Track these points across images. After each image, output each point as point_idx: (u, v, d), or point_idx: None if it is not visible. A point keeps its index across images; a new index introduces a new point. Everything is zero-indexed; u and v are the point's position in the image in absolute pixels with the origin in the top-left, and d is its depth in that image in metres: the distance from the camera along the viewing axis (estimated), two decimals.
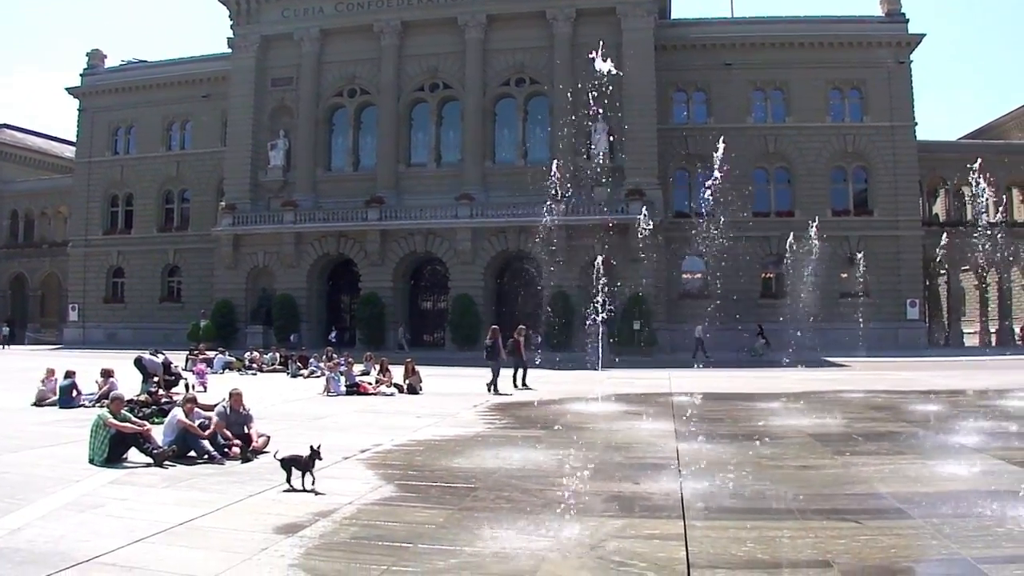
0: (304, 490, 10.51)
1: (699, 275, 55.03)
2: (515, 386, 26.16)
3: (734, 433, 15.84)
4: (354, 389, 24.89)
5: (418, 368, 26.11)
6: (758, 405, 21.06)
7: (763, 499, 10.20)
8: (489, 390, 25.00)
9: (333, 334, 48.53)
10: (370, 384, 25.70)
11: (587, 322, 32.13)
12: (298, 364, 34.00)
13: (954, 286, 58.48)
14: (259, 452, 13.35)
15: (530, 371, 27.74)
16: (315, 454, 10.85)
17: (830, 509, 9.57)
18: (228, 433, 13.42)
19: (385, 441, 14.98)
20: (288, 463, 10.90)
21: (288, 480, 10.76)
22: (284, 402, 22.42)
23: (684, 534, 8.51)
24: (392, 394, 24.57)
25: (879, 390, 24.45)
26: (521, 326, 28.47)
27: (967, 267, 56.67)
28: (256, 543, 8.15)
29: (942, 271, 56.58)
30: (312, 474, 10.72)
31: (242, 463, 12.71)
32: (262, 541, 8.22)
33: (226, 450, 13.07)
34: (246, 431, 13.76)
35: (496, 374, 25.66)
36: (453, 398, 23.42)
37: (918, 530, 8.51)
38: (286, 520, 9.10)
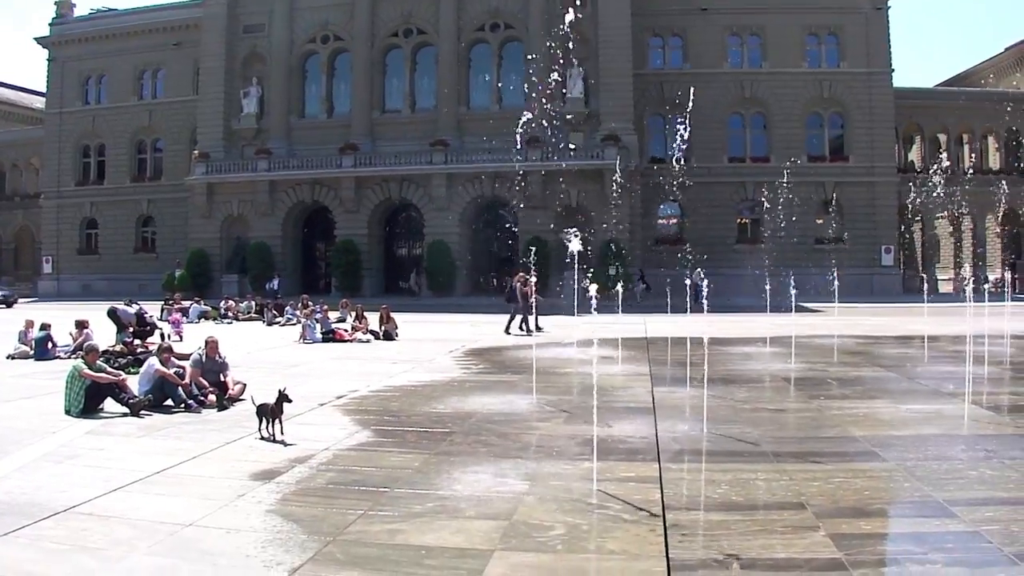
0: (273, 438, 10.43)
1: (675, 220, 55.11)
2: (527, 331, 27.08)
3: (709, 377, 15.92)
4: (330, 336, 24.84)
5: (393, 315, 26.08)
6: (734, 349, 21.23)
7: (738, 442, 10.28)
8: (522, 330, 26.86)
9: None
10: (346, 331, 25.65)
11: (563, 269, 32.16)
12: (274, 312, 33.87)
13: (928, 233, 58.90)
14: (235, 400, 13.30)
15: (506, 316, 27.87)
16: (283, 398, 10.78)
17: (805, 452, 9.67)
18: (204, 382, 13.35)
19: (361, 387, 14.97)
20: (261, 411, 10.83)
21: (260, 428, 10.69)
22: (260, 350, 22.35)
23: (659, 477, 8.57)
24: (368, 341, 24.56)
25: (853, 335, 24.69)
26: (521, 273, 29.52)
27: (942, 215, 56.97)
28: (233, 490, 8.13)
29: (917, 218, 56.90)
30: (280, 420, 10.64)
31: (218, 411, 12.66)
32: (239, 488, 8.21)
33: (202, 399, 13.01)
34: (222, 379, 13.68)
35: (517, 316, 27.46)
36: (429, 344, 23.45)
37: (891, 473, 8.61)
38: (263, 467, 9.09)
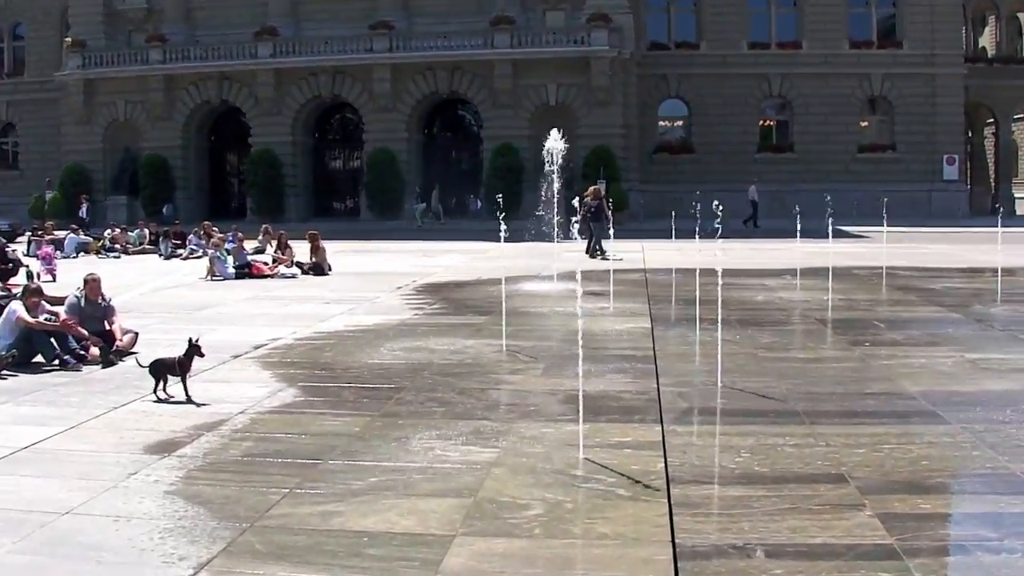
0: (181, 400, 10.36)
1: (680, 123, 54.98)
2: (592, 255, 29.13)
3: (725, 318, 15.93)
4: (246, 271, 24.69)
5: (324, 243, 25.91)
6: (757, 284, 21.32)
7: (761, 399, 10.29)
8: (595, 255, 28.70)
9: (167, 207, 47.71)
10: (266, 264, 25.53)
11: (540, 182, 32.02)
12: (173, 243, 33.54)
13: (1004, 139, 58.72)
14: (125, 353, 13.15)
15: (466, 244, 27.87)
16: (194, 349, 10.66)
17: (845, 412, 9.70)
18: (84, 331, 13.18)
19: (285, 334, 14.88)
20: (159, 368, 10.70)
21: (156, 390, 10.58)
22: (156, 290, 22.17)
23: (663, 442, 8.57)
24: (294, 276, 24.48)
25: (906, 267, 24.84)
26: (596, 187, 31.64)
27: (1021, 115, 56.90)
28: (123, 467, 8.04)
29: (989, 120, 56.86)
30: (185, 379, 10.56)
31: (103, 368, 12.53)
32: (130, 464, 8.12)
33: (82, 353, 12.85)
34: (107, 327, 13.53)
35: (597, 238, 29.34)
36: (371, 279, 23.35)
37: (955, 438, 8.64)
38: (161, 437, 9.00)
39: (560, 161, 25.21)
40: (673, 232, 24.93)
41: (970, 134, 57.32)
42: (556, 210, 24.57)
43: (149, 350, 13.42)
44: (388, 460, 8.16)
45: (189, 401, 10.37)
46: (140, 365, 11.02)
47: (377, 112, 51.72)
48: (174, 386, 10.64)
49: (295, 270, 25.00)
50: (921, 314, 16.72)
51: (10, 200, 56.41)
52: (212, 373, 11.81)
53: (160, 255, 32.64)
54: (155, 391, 10.58)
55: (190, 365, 10.67)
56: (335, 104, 54.37)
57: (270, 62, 52.00)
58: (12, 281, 20.38)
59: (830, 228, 22.62)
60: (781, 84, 52.71)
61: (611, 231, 26.29)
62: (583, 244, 30.40)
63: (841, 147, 51.27)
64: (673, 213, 26.17)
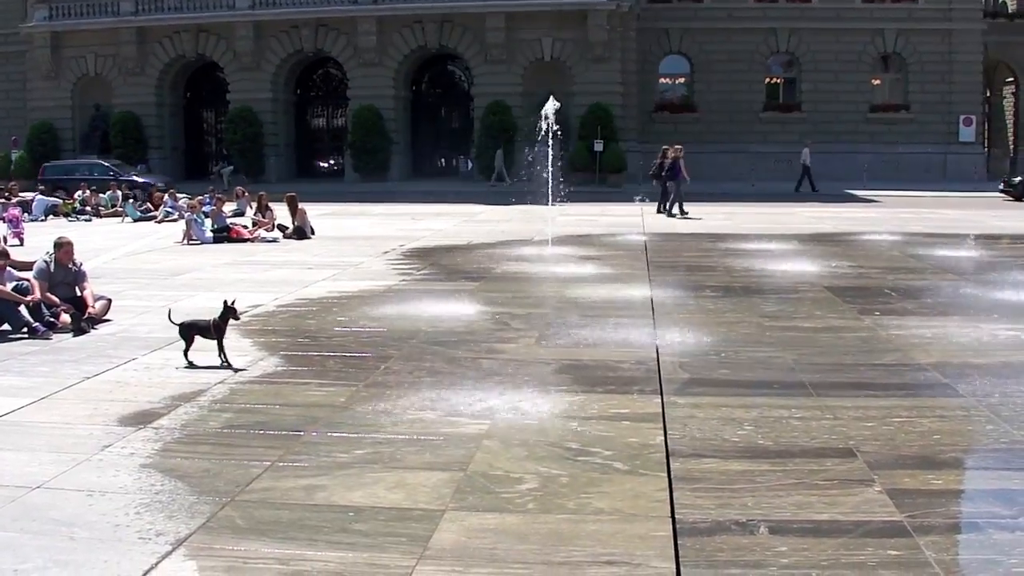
0: (220, 365, 10.44)
1: (682, 80, 54.79)
2: (669, 213, 30.99)
3: (728, 285, 15.98)
4: (224, 234, 24.61)
5: (304, 206, 25.81)
6: (760, 249, 21.31)
7: (766, 369, 10.32)
8: (671, 214, 30.42)
9: (140, 168, 47.51)
10: (245, 227, 25.45)
11: (534, 142, 31.99)
12: (147, 204, 33.43)
13: None
14: (98, 320, 13.14)
15: (456, 206, 27.84)
16: (230, 312, 10.68)
17: (854, 383, 9.72)
18: (54, 298, 13.16)
19: (267, 300, 14.87)
20: (189, 330, 10.71)
21: (186, 353, 10.63)
22: (130, 254, 22.11)
23: (662, 413, 8.59)
24: (275, 240, 24.44)
25: (919, 232, 24.85)
26: (677, 146, 32.73)
27: None
28: (96, 439, 8.04)
29: (1009, 79, 56.62)
30: (222, 343, 10.59)
31: (75, 335, 12.50)
32: (104, 436, 8.12)
33: (52, 320, 12.83)
34: (79, 294, 13.50)
35: (675, 197, 30.93)
36: (356, 243, 23.32)
37: (968, 411, 8.66)
38: (136, 407, 9.00)
39: (554, 124, 25.22)
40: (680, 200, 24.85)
41: (988, 94, 57.09)
42: (550, 172, 24.54)
43: (122, 317, 13.47)
44: (375, 432, 8.17)
45: (226, 366, 10.42)
46: (172, 322, 10.95)
47: (362, 67, 51.47)
48: (201, 352, 10.63)
49: (276, 234, 24.95)
50: (934, 282, 16.73)
51: None
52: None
53: (132, 218, 32.44)
54: (185, 354, 10.63)
55: (225, 328, 10.66)
56: (318, 59, 54.10)
57: (249, 14, 51.66)
58: None
59: (839, 191, 22.57)
60: (789, 39, 52.49)
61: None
62: (582, 208, 30.46)
63: (852, 107, 51.15)
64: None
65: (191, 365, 10.53)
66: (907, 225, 25.72)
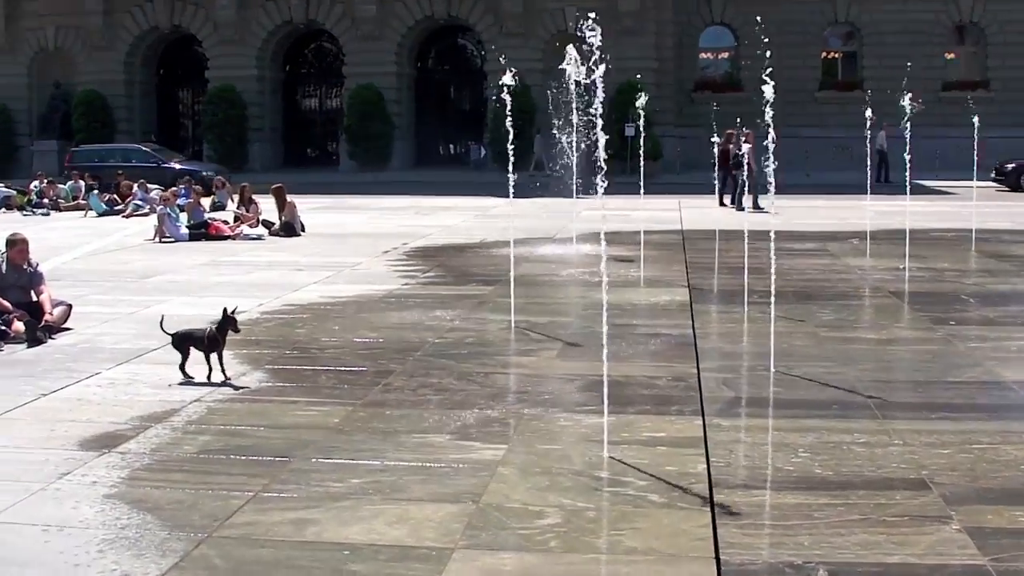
0: (215, 382, 10.40)
1: (726, 55, 54.74)
2: (753, 205, 31.25)
3: (779, 289, 15.84)
4: (202, 231, 24.65)
5: (293, 198, 25.82)
6: (816, 248, 21.32)
7: (824, 388, 10.27)
8: (741, 207, 30.79)
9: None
10: (226, 223, 25.49)
11: (554, 127, 31.98)
12: (113, 197, 33.52)
13: None
14: (56, 329, 13.16)
15: (467, 199, 27.86)
16: (229, 322, 10.60)
17: (926, 404, 9.66)
18: (6, 303, 13.19)
19: (250, 307, 14.84)
20: (184, 341, 10.70)
21: (183, 368, 10.61)
22: (93, 254, 22.21)
23: (704, 437, 8.55)
24: (260, 237, 24.53)
25: (1002, 229, 24.73)
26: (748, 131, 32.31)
27: None
28: (54, 466, 8.03)
29: None
30: (221, 356, 10.55)
31: (29, 346, 12.52)
32: (62, 462, 8.11)
33: (4, 328, 12.86)
34: (34, 298, 13.52)
35: (745, 188, 31.03)
36: (353, 242, 23.39)
37: None
38: (100, 429, 8.99)
39: (579, 105, 25.18)
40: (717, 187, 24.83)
41: None
42: (576, 160, 24.51)
43: (84, 325, 13.48)
44: (374, 458, 8.14)
45: (224, 383, 10.40)
46: (165, 332, 10.93)
47: (360, 41, 51.60)
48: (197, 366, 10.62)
49: (262, 230, 25.00)
50: (1019, 287, 16.66)
51: None
52: (161, 354, 11.79)
53: (96, 212, 32.53)
54: (182, 369, 10.60)
55: (224, 340, 10.61)
56: (310, 31, 54.26)
57: None
58: None
59: (908, 181, 22.51)
60: (849, 8, 52.46)
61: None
62: (609, 200, 30.40)
63: (922, 85, 50.91)
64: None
65: (189, 380, 10.50)
66: (988, 220, 25.57)
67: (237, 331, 10.79)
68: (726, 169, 32.47)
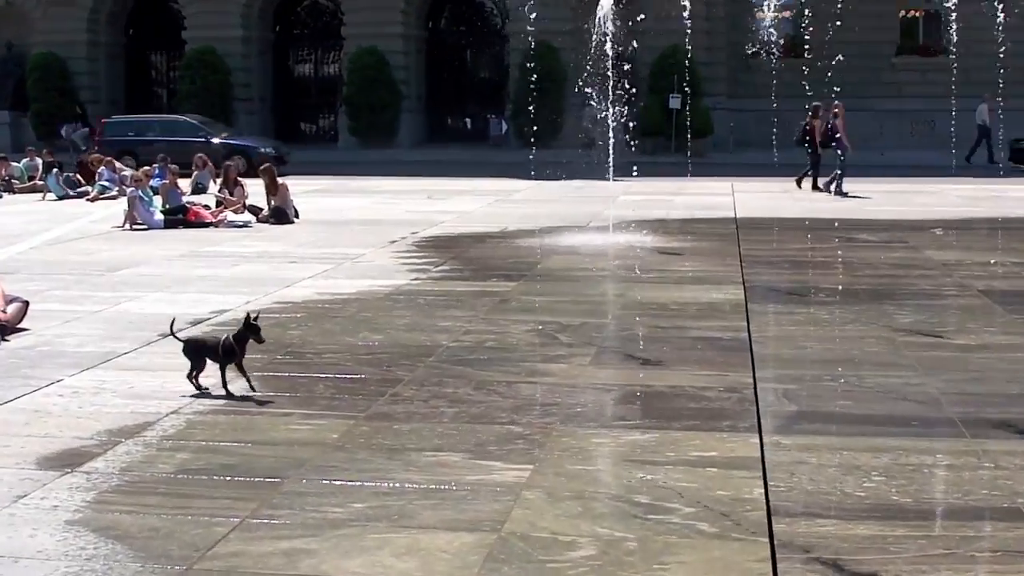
0: (233, 395, 10.35)
1: (787, 14, 54.58)
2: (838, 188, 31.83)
3: (849, 287, 15.88)
4: (179, 218, 24.66)
5: (284, 180, 25.87)
6: (893, 239, 21.21)
7: (900, 401, 10.26)
8: (827, 189, 31.85)
9: (79, 124, 47.93)
10: (207, 208, 25.50)
11: (587, 99, 31.98)
12: (76, 177, 33.56)
13: None
14: (10, 329, 13.20)
15: (487, 181, 27.83)
16: (252, 330, 10.49)
17: (1022, 421, 9.62)
18: None
19: (235, 304, 14.90)
20: (196, 350, 10.63)
21: (193, 376, 10.52)
22: (54, 242, 22.29)
23: (761, 458, 8.55)
24: (247, 224, 24.57)
25: None
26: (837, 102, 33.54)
27: None
28: (8, 487, 8.06)
29: None
30: (243, 369, 10.47)
31: None
32: (17, 483, 8.14)
33: None
34: None
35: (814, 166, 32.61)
36: (355, 230, 23.45)
37: None
38: (62, 445, 9.02)
39: (616, 73, 25.18)
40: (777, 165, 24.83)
41: None
42: (611, 136, 24.53)
43: (43, 325, 13.52)
44: (379, 479, 8.15)
45: (249, 395, 10.34)
46: (176, 338, 10.88)
47: None
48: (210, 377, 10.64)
49: (248, 217, 25.00)
50: None
51: None
52: (133, 358, 11.84)
53: (55, 195, 32.58)
54: (192, 378, 10.53)
55: (244, 350, 10.51)
56: None
57: None
58: None
59: (1002, 163, 22.43)
60: None
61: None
62: (651, 183, 30.39)
63: (1017, 50, 50.73)
64: None
65: (202, 391, 10.43)
66: None
67: (261, 341, 10.64)
68: (813, 148, 32.77)
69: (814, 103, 33.60)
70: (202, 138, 42.04)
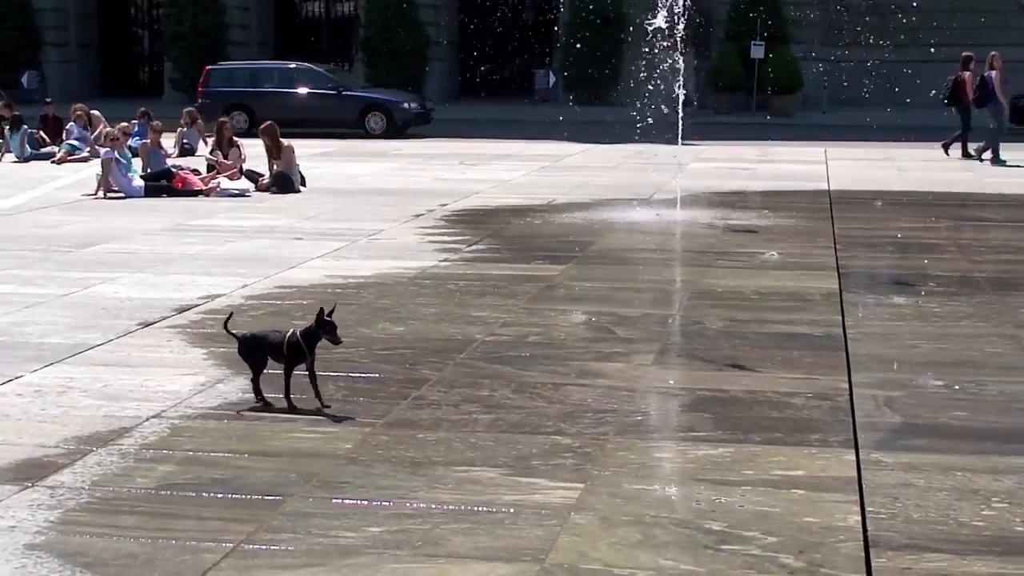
0: (296, 408, 10.10)
1: None
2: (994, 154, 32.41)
3: (965, 275, 15.82)
4: (162, 183, 24.71)
5: (289, 141, 25.87)
6: (1016, 219, 21.10)
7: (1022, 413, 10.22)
8: (976, 155, 32.25)
9: (28, 76, 48.26)
10: (196, 173, 25.55)
11: (651, 47, 31.93)
12: (40, 134, 33.68)
13: None
14: None
15: (530, 144, 27.81)
16: (326, 327, 10.17)
17: None
18: None
19: (229, 288, 14.99)
20: (257, 348, 10.38)
21: (255, 384, 10.33)
22: (13, 212, 22.42)
23: (858, 479, 8.54)
24: (245, 193, 24.65)
25: None
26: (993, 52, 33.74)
27: None
28: None
29: None
30: (313, 374, 10.16)
31: None
32: None
33: None
34: None
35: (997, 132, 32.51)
36: (372, 200, 23.55)
37: None
38: (21, 454, 9.06)
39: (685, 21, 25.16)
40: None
41: None
42: (680, 92, 24.49)
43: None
44: (399, 498, 8.17)
45: (320, 411, 10.09)
46: (232, 334, 10.57)
47: None
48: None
49: (246, 184, 25.03)
50: None
51: None
52: (107, 351, 11.89)
53: (16, 155, 32.74)
54: (255, 385, 10.33)
55: (313, 352, 10.21)
56: None
57: None
58: None
59: None
60: None
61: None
62: (726, 147, 30.36)
63: None
64: None
65: (265, 404, 10.22)
66: None
67: (336, 342, 10.30)
68: (964, 106, 32.92)
69: (964, 53, 33.67)
70: (333, 90, 41.81)
